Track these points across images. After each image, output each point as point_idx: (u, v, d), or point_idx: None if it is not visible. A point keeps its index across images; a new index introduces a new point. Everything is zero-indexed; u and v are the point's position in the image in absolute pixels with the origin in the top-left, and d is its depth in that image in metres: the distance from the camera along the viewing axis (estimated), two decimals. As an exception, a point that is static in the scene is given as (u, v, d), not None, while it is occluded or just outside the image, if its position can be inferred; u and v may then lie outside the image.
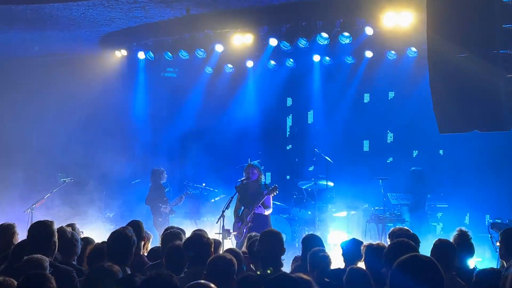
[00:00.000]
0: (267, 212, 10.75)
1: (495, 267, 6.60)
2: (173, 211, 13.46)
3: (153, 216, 13.30)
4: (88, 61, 15.72)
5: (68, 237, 6.56)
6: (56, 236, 6.16)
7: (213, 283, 4.21)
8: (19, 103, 16.57)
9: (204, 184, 15.19)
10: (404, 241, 5.48)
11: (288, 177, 15.58)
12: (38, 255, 5.63)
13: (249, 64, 14.94)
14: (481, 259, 11.39)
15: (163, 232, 7.56)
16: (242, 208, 10.78)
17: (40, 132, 16.89)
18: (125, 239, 5.97)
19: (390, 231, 7.44)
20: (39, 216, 13.00)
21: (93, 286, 4.87)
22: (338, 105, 15.09)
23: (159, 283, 3.98)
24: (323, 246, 7.30)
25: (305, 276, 4.40)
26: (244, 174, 10.96)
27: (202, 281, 4.13)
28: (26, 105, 16.63)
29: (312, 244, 7.09)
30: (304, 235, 8.19)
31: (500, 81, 8.47)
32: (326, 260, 6.54)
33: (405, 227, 8.31)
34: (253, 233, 8.00)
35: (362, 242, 6.95)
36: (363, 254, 6.16)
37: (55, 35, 13.96)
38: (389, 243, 7.15)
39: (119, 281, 4.77)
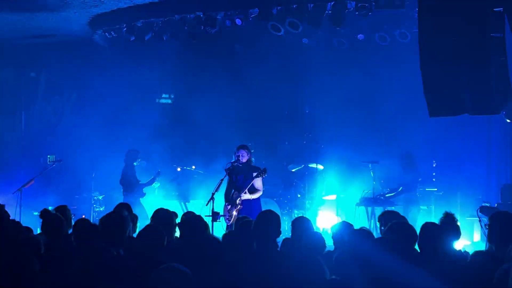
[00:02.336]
0: (258, 195, 10.75)
1: (483, 249, 6.62)
2: (143, 193, 13.32)
3: (124, 197, 13.13)
4: (77, 42, 15.61)
5: (52, 218, 6.55)
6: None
7: (199, 262, 4.22)
8: (7, 85, 16.48)
9: (194, 167, 15.18)
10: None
11: (278, 159, 15.55)
12: (34, 234, 5.66)
13: (240, 47, 14.85)
14: (470, 243, 11.48)
15: (153, 215, 7.56)
16: (233, 190, 10.77)
17: (28, 113, 16.81)
18: (120, 221, 5.97)
19: (380, 214, 7.46)
20: (27, 198, 13.05)
21: (90, 267, 4.87)
22: (329, 89, 15.06)
23: (172, 276, 4.00)
24: (313, 229, 7.31)
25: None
26: (234, 157, 10.96)
27: (175, 264, 4.15)
28: (15, 86, 16.55)
29: (302, 226, 7.10)
30: (294, 218, 8.20)
31: (491, 65, 8.46)
32: (323, 243, 6.57)
33: (394, 210, 8.33)
34: (243, 216, 8.00)
35: (352, 225, 6.97)
36: (347, 238, 6.18)
37: (44, 16, 13.83)
38: (379, 226, 7.18)
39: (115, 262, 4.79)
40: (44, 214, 6.65)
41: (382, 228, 6.84)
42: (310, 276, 4.43)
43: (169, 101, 16.25)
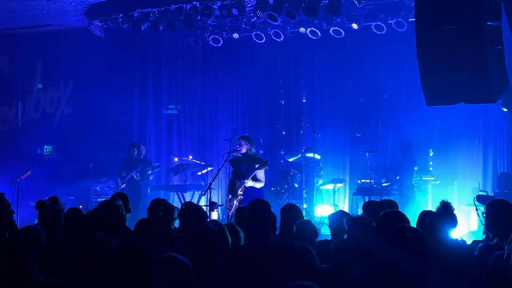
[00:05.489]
0: (260, 185, 10.77)
1: (481, 238, 6.65)
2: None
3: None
4: (73, 32, 15.56)
5: (48, 209, 6.55)
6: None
7: (195, 253, 4.22)
8: (3, 75, 16.44)
9: (191, 157, 15.18)
10: (395, 212, 5.52)
11: (275, 149, 15.57)
12: (34, 226, 5.65)
13: (236, 36, 14.79)
14: (467, 231, 11.51)
15: (149, 205, 7.58)
16: (236, 181, 10.80)
17: (25, 103, 16.78)
18: (113, 210, 5.97)
19: (363, 204, 7.50)
20: (25, 188, 13.04)
21: (92, 256, 4.87)
22: (326, 78, 15.07)
23: (171, 266, 4.01)
24: (302, 216, 7.31)
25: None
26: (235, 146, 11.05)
27: (173, 253, 4.16)
28: (11, 77, 16.51)
29: (291, 214, 7.11)
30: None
31: (488, 54, 8.46)
32: (315, 230, 6.58)
33: (375, 200, 8.35)
34: (242, 206, 8.02)
35: (349, 214, 6.98)
36: (346, 227, 6.19)
37: (40, 6, 13.78)
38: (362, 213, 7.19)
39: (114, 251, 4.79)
40: (40, 205, 6.65)
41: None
42: (301, 266, 4.44)
43: (165, 91, 16.20)
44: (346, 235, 6.54)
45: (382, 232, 4.95)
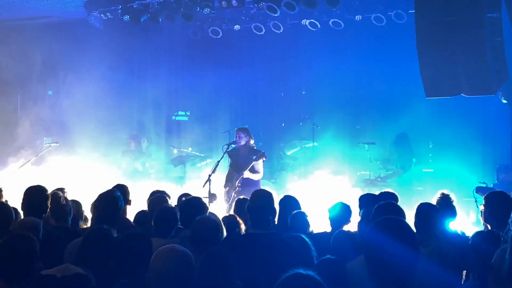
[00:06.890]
0: (258, 176, 10.77)
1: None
2: None
3: None
4: (72, 24, 15.53)
5: (61, 202, 6.57)
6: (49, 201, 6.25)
7: (199, 244, 4.23)
8: (2, 67, 16.40)
9: (190, 149, 15.19)
10: (390, 204, 5.52)
11: (274, 141, 15.57)
12: (32, 218, 5.67)
13: (236, 28, 14.78)
14: (466, 223, 11.52)
15: (150, 196, 7.60)
16: (234, 173, 10.81)
17: (24, 95, 16.75)
18: (112, 201, 5.98)
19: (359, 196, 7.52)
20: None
21: (91, 246, 4.89)
22: (325, 70, 15.05)
23: (172, 256, 4.04)
24: (300, 207, 7.32)
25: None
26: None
27: (175, 244, 4.17)
28: (10, 68, 16.46)
29: (289, 205, 7.11)
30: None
31: (487, 45, 8.46)
32: (306, 222, 6.60)
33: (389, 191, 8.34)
34: (242, 196, 8.03)
35: (348, 206, 7.00)
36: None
37: (39, -3, 13.79)
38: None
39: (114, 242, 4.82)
40: (53, 197, 6.67)
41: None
42: (296, 255, 4.46)
43: (164, 82, 16.18)
44: (346, 226, 6.59)
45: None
